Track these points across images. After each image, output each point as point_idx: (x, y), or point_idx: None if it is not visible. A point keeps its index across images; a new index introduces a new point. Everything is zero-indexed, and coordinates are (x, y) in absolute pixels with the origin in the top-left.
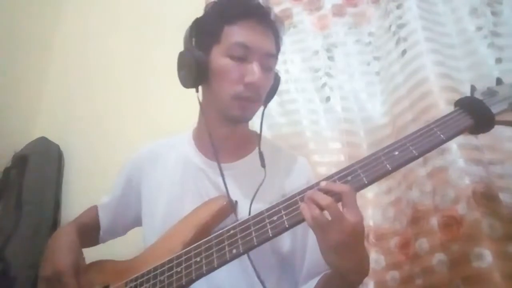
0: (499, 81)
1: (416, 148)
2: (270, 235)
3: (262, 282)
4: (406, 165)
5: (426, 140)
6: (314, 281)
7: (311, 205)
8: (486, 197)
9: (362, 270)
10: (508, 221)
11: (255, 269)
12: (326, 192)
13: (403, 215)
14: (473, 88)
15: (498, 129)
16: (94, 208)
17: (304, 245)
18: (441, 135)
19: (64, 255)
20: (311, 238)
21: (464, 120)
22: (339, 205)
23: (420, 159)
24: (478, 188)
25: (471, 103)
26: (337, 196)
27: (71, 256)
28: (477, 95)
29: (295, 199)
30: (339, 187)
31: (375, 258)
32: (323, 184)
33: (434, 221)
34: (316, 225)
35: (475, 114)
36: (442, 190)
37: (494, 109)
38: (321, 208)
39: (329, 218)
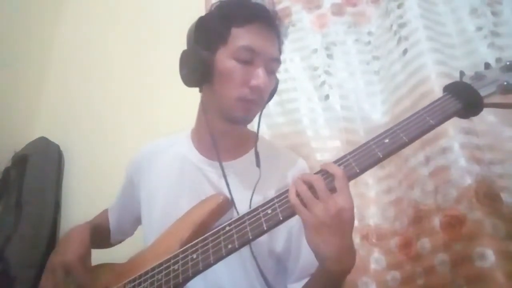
0: (487, 66)
1: (407, 135)
2: (265, 228)
3: (265, 279)
4: (397, 152)
5: (415, 126)
6: (302, 282)
7: (298, 181)
8: (489, 197)
9: (344, 260)
10: (510, 220)
11: (259, 267)
12: (319, 172)
13: (404, 214)
14: (461, 74)
15: (498, 129)
16: (106, 211)
17: (298, 245)
18: (430, 120)
19: (74, 248)
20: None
21: (453, 104)
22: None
23: (422, 159)
24: (480, 187)
25: (459, 88)
26: (330, 180)
27: (80, 250)
28: (466, 80)
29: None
30: (333, 168)
31: (376, 258)
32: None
33: (436, 220)
34: (299, 201)
35: (463, 98)
36: (444, 189)
37: (482, 92)
38: (310, 185)
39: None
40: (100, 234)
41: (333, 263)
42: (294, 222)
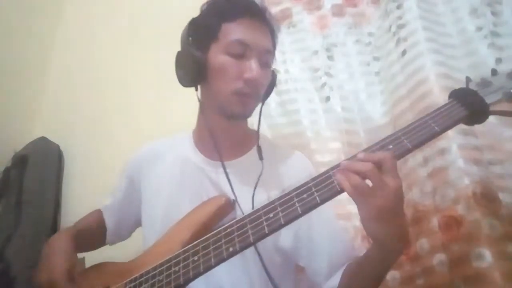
0: (494, 72)
1: (411, 141)
2: (266, 232)
3: (271, 280)
4: (400, 158)
5: (420, 133)
6: (338, 274)
7: (349, 174)
8: (486, 197)
9: (403, 236)
10: (508, 221)
11: (265, 268)
12: (365, 162)
13: None
14: (468, 79)
15: (498, 129)
16: (96, 212)
17: (310, 242)
18: (436, 127)
19: (58, 262)
20: (319, 233)
21: (459, 111)
22: None
23: (421, 160)
24: (478, 188)
25: (465, 94)
26: (376, 165)
27: (65, 263)
28: (472, 86)
29: (290, 195)
30: (378, 155)
31: None
32: (361, 155)
33: (434, 221)
34: (357, 194)
35: (469, 105)
36: (442, 190)
37: (488, 99)
38: (362, 176)
39: (369, 186)
40: (90, 237)
41: (395, 241)
42: (301, 223)
